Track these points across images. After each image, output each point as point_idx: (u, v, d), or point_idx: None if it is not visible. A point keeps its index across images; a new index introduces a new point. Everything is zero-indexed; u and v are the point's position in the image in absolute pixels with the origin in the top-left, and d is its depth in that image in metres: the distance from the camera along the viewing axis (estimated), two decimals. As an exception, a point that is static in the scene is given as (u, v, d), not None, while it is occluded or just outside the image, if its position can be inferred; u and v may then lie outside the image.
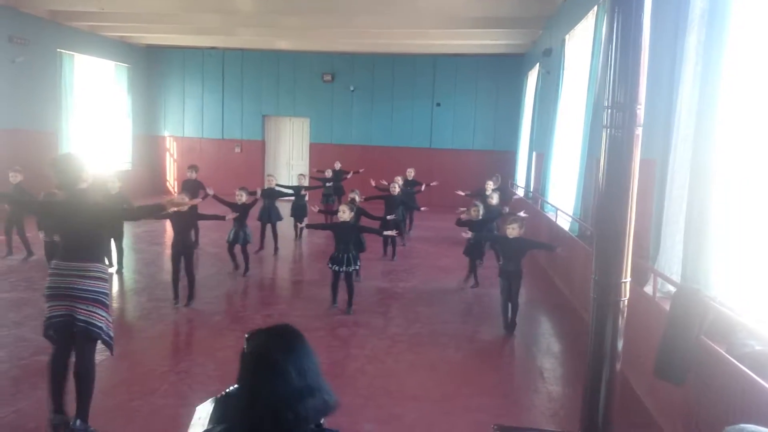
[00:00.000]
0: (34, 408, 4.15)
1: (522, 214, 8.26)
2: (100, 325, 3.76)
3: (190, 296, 6.71)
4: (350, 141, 17.20)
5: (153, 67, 17.61)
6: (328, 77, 17.09)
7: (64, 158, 3.93)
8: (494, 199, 9.10)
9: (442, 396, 4.66)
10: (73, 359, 3.80)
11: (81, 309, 3.70)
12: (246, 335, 1.68)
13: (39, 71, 13.15)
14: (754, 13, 3.73)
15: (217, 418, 1.89)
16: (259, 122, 17.66)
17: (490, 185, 10.57)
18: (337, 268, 6.51)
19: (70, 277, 3.71)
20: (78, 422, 3.71)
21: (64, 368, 3.79)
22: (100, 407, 3.93)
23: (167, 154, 18.02)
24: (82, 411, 3.74)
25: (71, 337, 3.78)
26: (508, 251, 6.31)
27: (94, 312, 3.74)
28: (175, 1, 11.78)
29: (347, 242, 6.54)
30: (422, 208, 10.57)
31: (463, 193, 11.17)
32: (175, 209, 4.19)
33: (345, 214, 6.55)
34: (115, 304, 6.74)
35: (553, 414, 4.46)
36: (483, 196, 9.83)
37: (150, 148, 17.64)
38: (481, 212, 7.83)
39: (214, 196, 8.32)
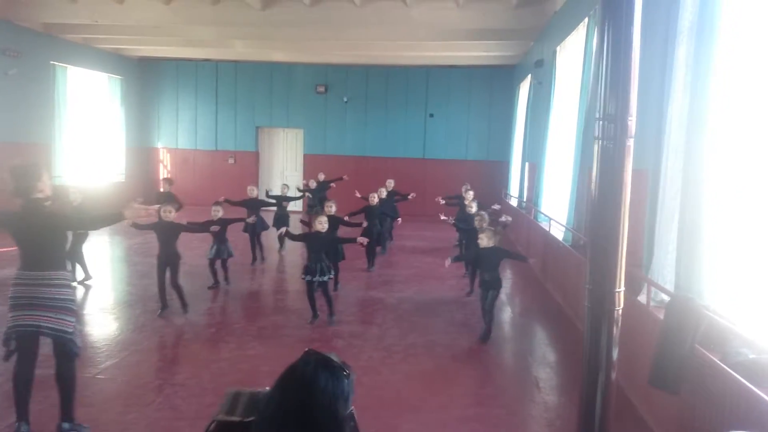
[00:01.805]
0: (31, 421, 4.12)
1: (504, 218, 8.34)
2: (69, 331, 3.79)
3: (183, 305, 6.76)
4: (344, 152, 17.24)
5: (146, 79, 17.64)
6: (321, 89, 17.16)
7: (20, 166, 3.88)
8: (473, 208, 9.07)
9: (438, 406, 4.65)
10: (37, 369, 3.86)
11: (49, 317, 3.71)
12: (307, 350, 1.74)
13: (32, 83, 13.16)
14: (742, 25, 3.79)
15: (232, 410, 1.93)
16: (253, 134, 17.68)
17: (470, 195, 10.52)
18: (310, 278, 6.51)
19: (35, 287, 3.72)
20: (66, 425, 3.75)
21: (29, 377, 3.83)
22: (96, 420, 3.91)
23: (161, 165, 18.00)
24: (68, 412, 3.79)
25: (36, 346, 3.82)
26: (482, 261, 6.35)
27: (62, 319, 3.77)
28: (168, 13, 11.81)
29: (319, 252, 6.56)
30: (398, 220, 10.62)
31: (442, 201, 11.20)
32: (137, 219, 4.22)
33: (321, 225, 6.60)
34: (110, 316, 6.71)
35: (549, 423, 4.46)
36: (462, 204, 9.90)
37: (143, 159, 17.62)
38: (486, 222, 7.58)
39: (189, 223, 7.90)
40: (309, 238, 6.78)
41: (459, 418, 4.48)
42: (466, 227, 8.44)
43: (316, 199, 12.38)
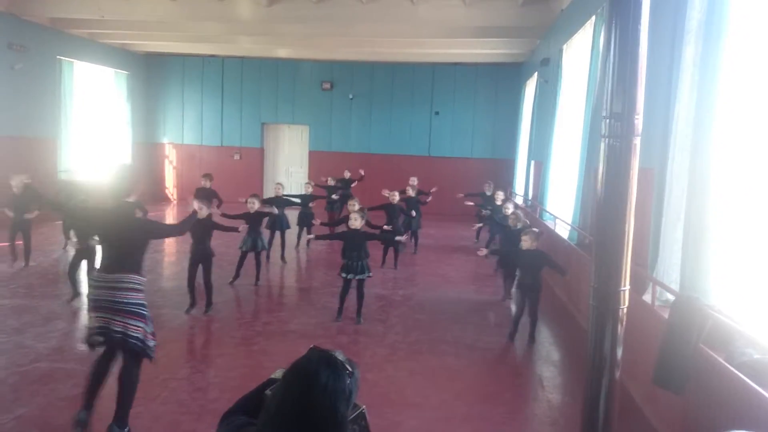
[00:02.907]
0: (35, 415, 4.17)
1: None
2: (136, 335, 3.80)
3: (208, 303, 6.74)
4: (349, 149, 17.25)
5: (152, 74, 17.67)
6: (327, 85, 17.16)
7: (123, 168, 4.08)
8: (509, 209, 8.71)
9: (441, 404, 4.66)
10: (116, 366, 3.92)
11: (117, 321, 3.76)
12: (311, 347, 1.74)
13: (38, 78, 13.19)
14: (750, 24, 3.78)
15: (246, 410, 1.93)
16: (258, 130, 17.70)
17: (500, 195, 10.48)
18: (351, 276, 6.46)
19: (107, 290, 3.78)
20: (115, 428, 3.76)
21: (104, 370, 3.91)
22: (102, 414, 3.93)
23: (166, 161, 18.05)
24: (120, 418, 3.80)
25: (109, 347, 3.90)
26: (523, 263, 6.20)
27: (130, 323, 3.78)
28: (175, 9, 11.83)
29: (359, 250, 6.49)
30: (412, 213, 10.23)
31: (462, 195, 11.18)
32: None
33: (357, 222, 6.52)
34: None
35: (552, 422, 4.47)
36: (487, 201, 9.86)
37: (149, 155, 17.67)
38: (521, 221, 7.45)
39: (223, 215, 8.10)
40: (347, 236, 6.66)
41: (462, 415, 4.49)
42: (501, 222, 8.22)
43: (338, 197, 12.43)
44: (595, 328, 3.05)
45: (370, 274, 6.65)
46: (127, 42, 15.95)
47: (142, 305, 3.89)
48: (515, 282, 6.45)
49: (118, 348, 3.85)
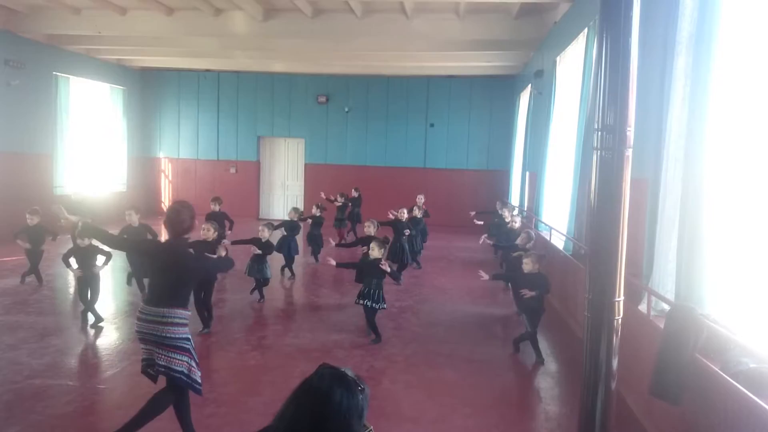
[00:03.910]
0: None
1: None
2: (180, 369, 3.80)
3: (206, 326, 6.57)
4: (345, 161, 17.30)
5: (148, 89, 17.73)
6: (322, 99, 17.24)
7: (185, 207, 4.08)
8: (517, 223, 8.92)
9: (438, 416, 4.64)
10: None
11: (161, 354, 3.78)
12: (321, 364, 1.74)
13: (35, 94, 13.23)
14: (741, 36, 3.82)
15: None
16: (254, 143, 17.74)
17: (507, 213, 10.40)
18: (370, 304, 6.34)
19: (152, 323, 3.79)
20: None
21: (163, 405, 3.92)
22: (97, 429, 3.90)
23: (162, 175, 18.05)
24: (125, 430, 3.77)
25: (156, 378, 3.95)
26: (524, 285, 6.00)
27: (173, 357, 3.79)
28: (170, 24, 11.90)
29: (379, 278, 6.41)
30: (406, 231, 9.82)
31: (473, 213, 11.23)
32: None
33: (375, 251, 6.42)
34: (110, 326, 6.71)
35: (550, 434, 4.45)
36: (501, 221, 9.85)
37: (145, 169, 17.69)
38: (532, 241, 7.40)
39: (233, 242, 7.94)
40: (366, 266, 6.57)
41: (459, 428, 4.47)
42: (507, 244, 8.11)
43: (342, 214, 12.43)
44: (590, 338, 3.05)
45: (385, 305, 6.54)
46: (123, 57, 16.02)
47: (187, 339, 3.89)
48: (516, 304, 6.39)
49: (166, 380, 3.88)
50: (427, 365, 5.78)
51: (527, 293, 5.84)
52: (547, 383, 5.53)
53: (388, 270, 6.51)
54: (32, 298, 7.77)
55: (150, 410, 3.83)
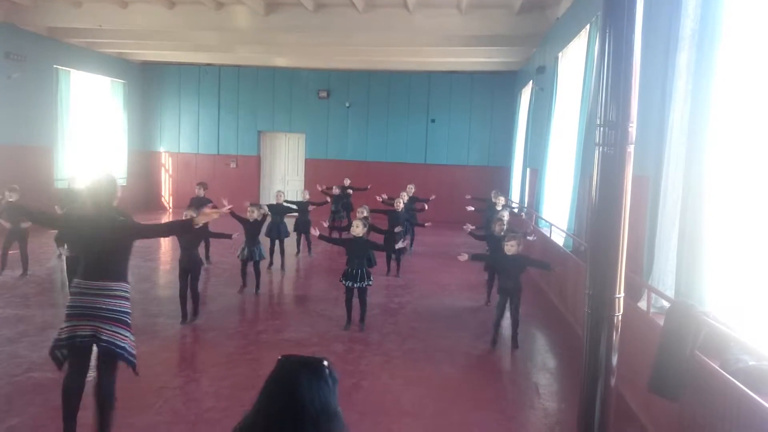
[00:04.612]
0: (27, 425, 4.14)
1: (531, 237, 8.25)
2: (123, 345, 3.69)
3: (195, 312, 6.67)
4: (345, 156, 17.29)
5: (149, 83, 17.70)
6: (323, 93, 17.21)
7: (105, 179, 3.92)
8: (506, 216, 8.98)
9: (437, 412, 4.65)
10: (88, 381, 3.77)
11: (104, 329, 3.62)
12: (279, 357, 1.74)
13: (35, 87, 13.21)
14: (743, 32, 3.80)
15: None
16: (255, 138, 17.72)
17: (501, 200, 10.50)
18: (350, 284, 6.45)
19: (94, 296, 3.65)
20: None
21: (78, 390, 3.72)
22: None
23: (163, 169, 18.04)
24: None
25: (89, 357, 3.74)
26: (505, 268, 6.26)
27: (117, 332, 3.67)
28: (172, 18, 11.87)
29: (361, 258, 6.49)
30: (426, 224, 10.15)
31: (470, 197, 11.25)
32: (205, 220, 4.08)
33: (358, 229, 6.52)
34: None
35: (548, 429, 4.45)
36: (493, 209, 9.89)
37: (145, 163, 17.68)
38: (505, 226, 7.49)
39: (231, 213, 8.09)
40: (348, 243, 6.68)
41: (458, 423, 4.47)
42: (487, 233, 8.18)
43: (339, 205, 12.44)
44: (590, 335, 3.04)
45: (371, 282, 6.61)
46: (124, 51, 15.99)
47: (129, 314, 3.80)
48: (497, 287, 6.46)
49: (103, 357, 3.69)
50: (426, 360, 5.78)
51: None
52: (546, 379, 5.53)
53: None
54: (32, 291, 7.77)
55: (110, 404, 3.70)
